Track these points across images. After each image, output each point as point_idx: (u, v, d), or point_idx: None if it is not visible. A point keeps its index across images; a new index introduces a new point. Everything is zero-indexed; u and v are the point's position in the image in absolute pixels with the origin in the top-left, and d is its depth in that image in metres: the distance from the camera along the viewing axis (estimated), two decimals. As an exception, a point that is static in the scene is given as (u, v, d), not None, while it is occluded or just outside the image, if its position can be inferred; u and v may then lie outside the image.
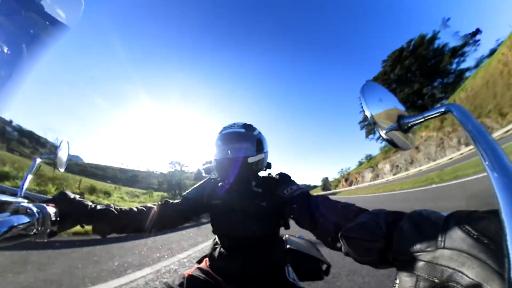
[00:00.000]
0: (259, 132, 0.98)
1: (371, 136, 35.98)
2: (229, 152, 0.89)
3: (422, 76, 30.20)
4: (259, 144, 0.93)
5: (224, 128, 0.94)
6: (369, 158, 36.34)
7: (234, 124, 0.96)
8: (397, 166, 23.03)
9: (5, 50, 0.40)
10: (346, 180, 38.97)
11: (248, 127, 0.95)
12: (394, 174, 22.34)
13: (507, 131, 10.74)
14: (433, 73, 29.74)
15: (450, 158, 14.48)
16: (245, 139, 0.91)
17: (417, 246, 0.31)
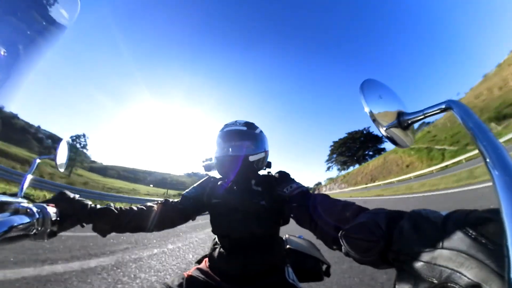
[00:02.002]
0: (261, 131, 0.97)
1: (328, 171, 67.57)
2: (230, 149, 0.89)
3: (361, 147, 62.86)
4: (260, 143, 0.93)
5: (226, 126, 0.94)
6: (331, 178, 65.93)
7: (236, 121, 0.95)
8: (332, 188, 55.54)
9: (2, 52, 0.40)
10: (318, 190, 73.09)
11: (250, 125, 0.94)
12: (330, 191, 52.67)
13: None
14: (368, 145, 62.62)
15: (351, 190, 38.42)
16: (246, 137, 0.90)
17: (416, 247, 0.30)
